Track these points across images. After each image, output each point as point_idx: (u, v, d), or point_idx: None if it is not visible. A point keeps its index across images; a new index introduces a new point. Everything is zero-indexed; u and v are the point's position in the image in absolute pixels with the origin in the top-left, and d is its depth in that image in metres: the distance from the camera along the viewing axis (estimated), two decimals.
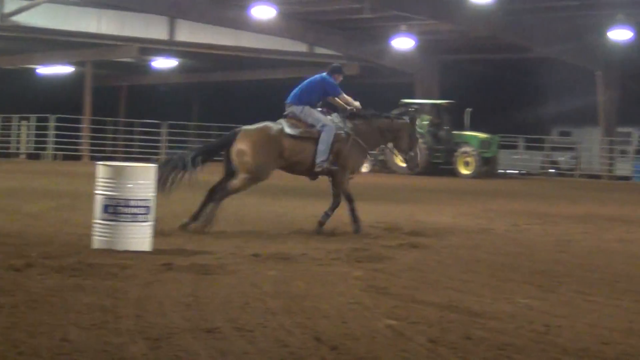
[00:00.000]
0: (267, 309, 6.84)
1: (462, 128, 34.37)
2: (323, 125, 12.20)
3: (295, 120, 12.29)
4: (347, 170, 12.41)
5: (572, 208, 18.89)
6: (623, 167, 39.56)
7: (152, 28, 36.62)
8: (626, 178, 38.01)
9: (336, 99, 12.69)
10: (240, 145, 11.88)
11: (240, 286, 7.75)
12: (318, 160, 12.13)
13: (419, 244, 11.14)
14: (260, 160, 11.90)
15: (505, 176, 36.87)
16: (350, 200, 12.34)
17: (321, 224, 12.15)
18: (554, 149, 41.91)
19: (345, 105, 12.67)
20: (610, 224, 15.20)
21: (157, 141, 39.70)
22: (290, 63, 40.96)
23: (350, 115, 12.62)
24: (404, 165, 13.92)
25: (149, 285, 7.66)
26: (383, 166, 33.81)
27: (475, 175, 32.84)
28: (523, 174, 40.18)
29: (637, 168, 38.42)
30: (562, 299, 7.74)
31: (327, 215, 12.22)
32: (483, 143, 33.79)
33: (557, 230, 13.84)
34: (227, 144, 12.11)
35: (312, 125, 12.22)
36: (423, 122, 32.88)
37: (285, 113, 12.49)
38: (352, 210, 12.31)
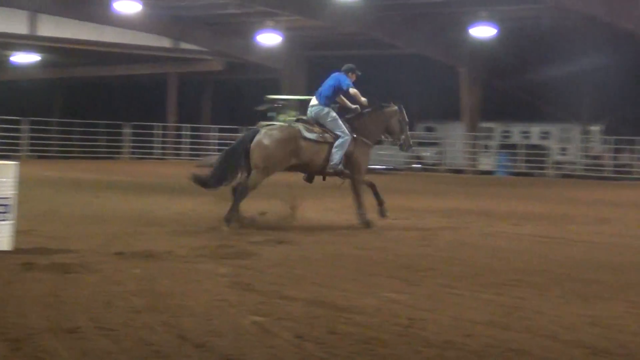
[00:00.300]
0: (131, 307, 6.75)
1: None
2: (342, 132, 13.25)
3: (310, 124, 13.32)
4: (361, 171, 13.61)
5: (436, 202, 19.23)
6: (486, 162, 40.56)
7: (12, 22, 35.58)
8: (489, 172, 38.96)
9: (344, 98, 13.67)
10: (264, 143, 12.86)
11: (103, 285, 7.63)
12: (332, 162, 13.18)
13: (285, 240, 11.18)
14: (276, 158, 12.92)
15: (371, 172, 37.24)
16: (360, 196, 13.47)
17: (365, 221, 13.23)
18: (419, 144, 42.64)
19: (351, 105, 13.64)
20: (474, 217, 15.53)
21: (18, 138, 38.68)
22: (156, 58, 40.52)
23: (352, 117, 13.60)
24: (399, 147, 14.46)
25: (9, 285, 7.47)
26: None
27: None
28: (389, 170, 40.75)
29: (500, 162, 39.48)
30: (426, 293, 7.89)
31: (361, 218, 13.33)
32: None
33: (422, 225, 14.06)
34: (248, 142, 12.90)
35: (330, 131, 13.26)
36: (288, 118, 32.95)
37: (305, 117, 13.62)
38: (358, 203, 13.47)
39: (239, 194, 12.69)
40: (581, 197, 22.62)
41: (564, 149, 40.84)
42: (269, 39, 37.14)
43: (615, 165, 36.87)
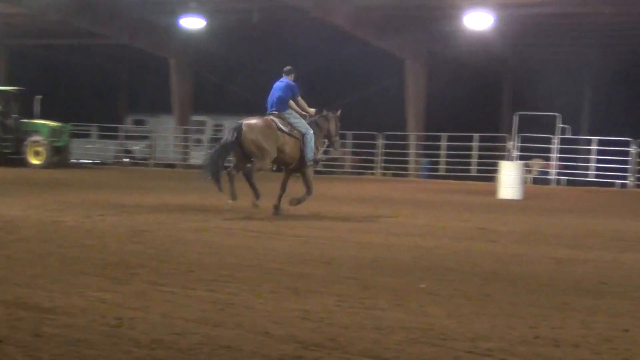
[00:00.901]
0: None
1: (32, 116, 33.43)
2: (307, 129, 15.70)
3: (281, 119, 15.57)
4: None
5: (147, 198, 19.10)
6: (198, 156, 40.77)
7: None
8: (201, 167, 39.22)
9: (298, 101, 15.93)
10: (251, 136, 15.23)
11: None
12: (308, 157, 15.70)
13: None
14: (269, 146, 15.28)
15: (78, 166, 36.52)
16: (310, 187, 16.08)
17: (298, 201, 15.87)
18: (128, 137, 42.21)
19: (301, 110, 15.90)
20: (185, 213, 15.55)
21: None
22: None
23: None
24: (329, 147, 17.27)
25: None
26: None
27: (46, 166, 32.13)
28: (97, 164, 40.08)
29: None
30: (135, 291, 7.80)
31: (302, 199, 15.92)
32: (54, 132, 33.10)
33: (132, 221, 13.90)
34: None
35: (295, 127, 15.61)
36: None
37: (270, 113, 15.74)
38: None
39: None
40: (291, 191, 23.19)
41: None
42: None
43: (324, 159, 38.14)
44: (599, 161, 32.06)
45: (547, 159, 32.81)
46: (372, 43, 34.97)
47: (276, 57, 41.50)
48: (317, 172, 35.83)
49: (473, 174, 34.10)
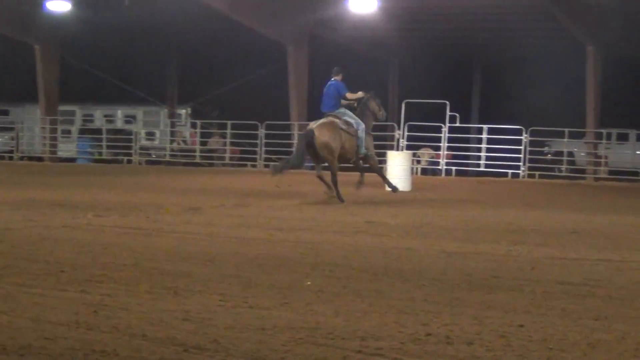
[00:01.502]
0: None
1: None
2: (358, 125, 18.60)
3: (338, 119, 18.56)
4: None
5: (11, 193, 18.69)
6: (66, 148, 40.14)
7: None
8: (70, 160, 38.62)
9: (347, 96, 18.85)
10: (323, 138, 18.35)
11: None
12: (362, 150, 18.69)
13: None
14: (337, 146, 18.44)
15: None
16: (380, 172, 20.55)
17: (360, 183, 19.32)
18: None
19: (353, 100, 18.96)
20: (54, 209, 15.28)
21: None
22: None
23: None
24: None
25: None
26: None
27: None
28: None
29: (81, 149, 39.19)
30: (1, 294, 7.63)
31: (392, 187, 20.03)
32: None
33: None
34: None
35: (351, 125, 18.59)
36: None
37: (327, 115, 18.74)
38: (383, 177, 20.77)
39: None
40: (171, 185, 23.07)
41: (151, 134, 41.42)
42: None
43: (203, 151, 37.92)
44: (489, 150, 32.68)
45: (437, 148, 33.25)
46: (253, 28, 34.87)
47: (149, 42, 41.19)
48: (195, 165, 35.69)
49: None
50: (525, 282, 8.85)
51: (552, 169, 33.96)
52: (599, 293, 8.33)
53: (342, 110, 18.80)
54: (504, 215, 16.64)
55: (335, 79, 18.96)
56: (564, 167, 34.66)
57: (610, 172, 33.10)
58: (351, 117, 18.73)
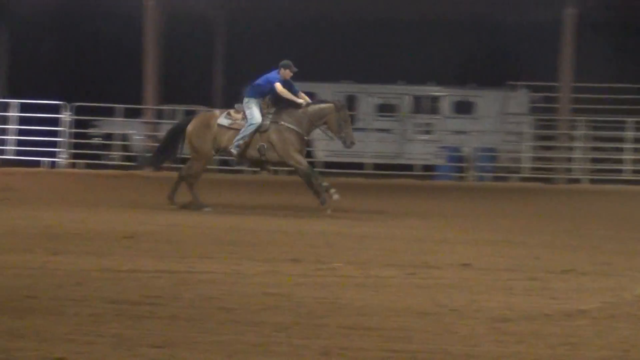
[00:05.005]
0: None
1: None
2: (248, 120, 19.13)
3: (234, 111, 19.51)
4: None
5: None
6: None
7: None
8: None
9: (279, 92, 19.10)
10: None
11: None
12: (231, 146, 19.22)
13: None
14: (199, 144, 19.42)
15: None
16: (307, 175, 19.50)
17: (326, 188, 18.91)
18: None
19: (291, 97, 19.21)
20: None
21: None
22: None
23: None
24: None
25: None
26: None
27: None
28: None
29: None
30: None
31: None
32: None
33: None
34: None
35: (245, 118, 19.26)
36: None
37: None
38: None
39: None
40: None
41: None
42: None
43: None
44: (21, 132, 32.35)
45: None
46: None
47: None
48: None
49: None
50: (69, 302, 8.85)
51: (101, 157, 34.06)
52: (161, 313, 8.51)
53: (250, 102, 19.18)
54: (40, 217, 16.55)
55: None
56: (116, 154, 34.84)
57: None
58: (249, 110, 19.17)
